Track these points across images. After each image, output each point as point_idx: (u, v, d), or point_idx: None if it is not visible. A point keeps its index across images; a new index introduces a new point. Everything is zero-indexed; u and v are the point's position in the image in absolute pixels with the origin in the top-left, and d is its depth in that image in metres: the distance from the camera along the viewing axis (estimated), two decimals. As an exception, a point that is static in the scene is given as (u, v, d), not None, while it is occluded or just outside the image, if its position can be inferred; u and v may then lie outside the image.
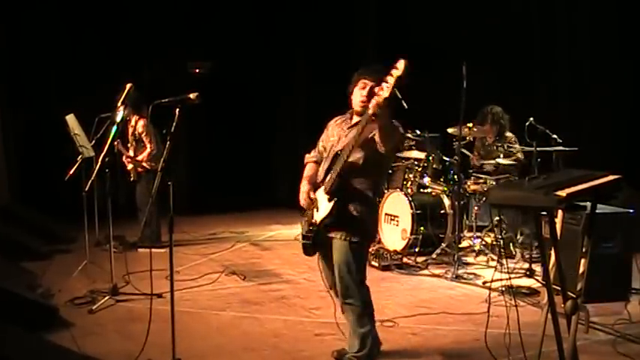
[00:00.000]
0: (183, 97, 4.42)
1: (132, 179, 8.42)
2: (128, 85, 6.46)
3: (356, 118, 4.48)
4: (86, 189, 6.68)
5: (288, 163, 11.25)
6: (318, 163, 4.70)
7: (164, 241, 8.12)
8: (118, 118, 6.34)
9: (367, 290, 4.50)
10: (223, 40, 11.26)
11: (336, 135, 4.56)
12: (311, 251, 4.59)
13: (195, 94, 4.40)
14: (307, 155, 4.85)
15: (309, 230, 4.51)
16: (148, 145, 8.18)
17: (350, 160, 4.26)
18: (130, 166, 8.31)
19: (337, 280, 4.44)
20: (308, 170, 4.73)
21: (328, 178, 4.37)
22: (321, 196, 4.42)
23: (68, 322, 5.56)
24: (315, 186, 4.54)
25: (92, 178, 6.52)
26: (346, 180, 4.32)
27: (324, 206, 4.37)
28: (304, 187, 4.59)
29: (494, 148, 8.04)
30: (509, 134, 8.05)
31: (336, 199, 4.30)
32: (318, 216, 4.42)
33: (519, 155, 7.84)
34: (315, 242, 4.51)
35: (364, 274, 4.48)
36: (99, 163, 6.28)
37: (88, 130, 7.24)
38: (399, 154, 8.67)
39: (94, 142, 7.23)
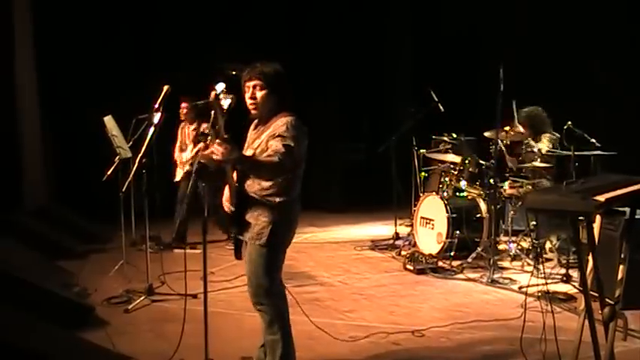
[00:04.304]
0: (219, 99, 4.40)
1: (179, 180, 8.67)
2: (165, 87, 6.49)
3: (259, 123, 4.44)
4: (123, 189, 6.74)
5: (321, 165, 11.30)
6: None
7: (190, 242, 8.32)
8: (156, 120, 6.39)
9: (279, 297, 4.27)
10: (257, 44, 11.29)
11: (248, 140, 4.48)
12: (237, 254, 4.42)
13: (232, 96, 4.36)
14: None
15: (234, 235, 4.41)
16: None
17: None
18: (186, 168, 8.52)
19: (248, 283, 4.31)
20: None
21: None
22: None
23: (104, 321, 5.64)
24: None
25: (129, 179, 6.58)
26: (242, 186, 4.21)
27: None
28: (226, 193, 4.43)
29: (531, 150, 7.59)
30: (544, 135, 7.73)
31: (235, 205, 4.21)
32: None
33: (542, 150, 7.54)
34: (237, 245, 4.39)
35: (275, 279, 4.25)
36: (136, 164, 6.34)
37: (125, 131, 7.31)
38: (434, 158, 8.63)
39: (131, 143, 7.30)
